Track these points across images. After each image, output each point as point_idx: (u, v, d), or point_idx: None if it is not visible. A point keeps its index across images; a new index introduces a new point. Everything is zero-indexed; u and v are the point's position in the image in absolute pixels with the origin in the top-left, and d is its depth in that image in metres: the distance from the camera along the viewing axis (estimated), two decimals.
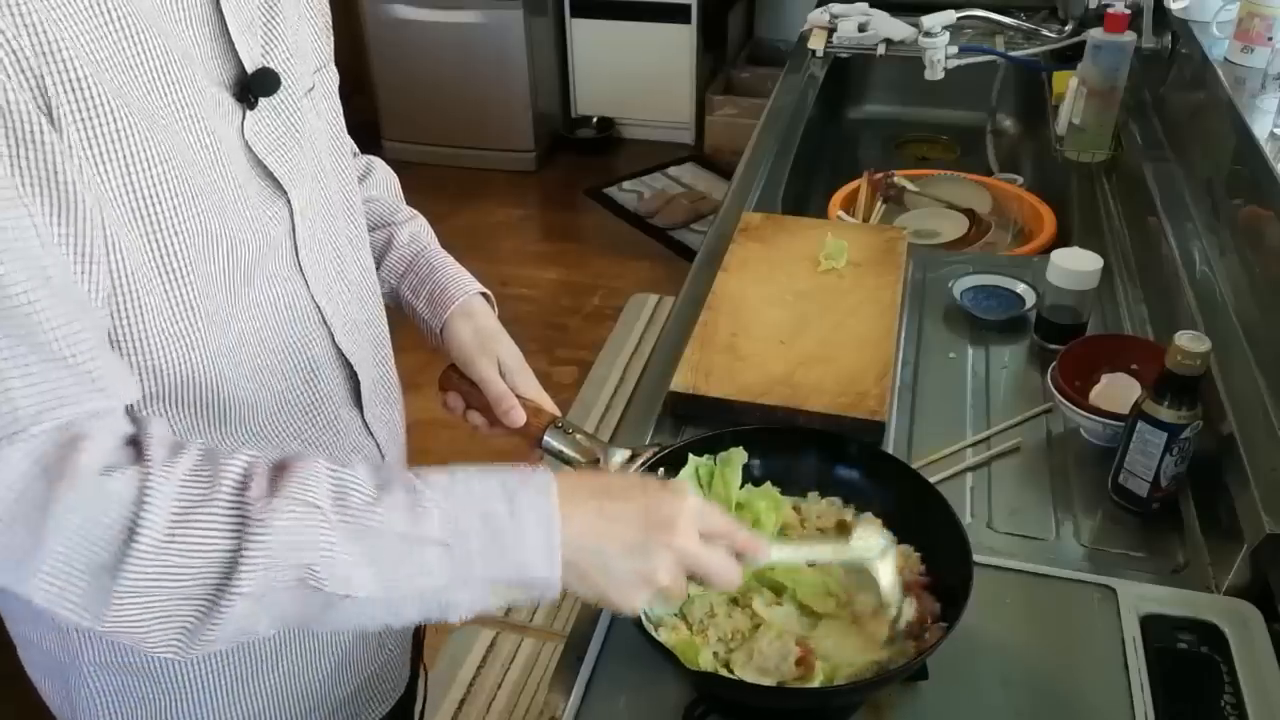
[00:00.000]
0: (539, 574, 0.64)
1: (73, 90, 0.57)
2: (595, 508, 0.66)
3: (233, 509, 0.59)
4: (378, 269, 0.97)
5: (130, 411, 0.64)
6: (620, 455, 0.88)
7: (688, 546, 0.67)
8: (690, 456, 0.88)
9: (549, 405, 0.92)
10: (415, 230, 1.02)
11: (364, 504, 0.62)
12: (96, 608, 0.59)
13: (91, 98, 0.58)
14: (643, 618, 0.80)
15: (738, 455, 0.88)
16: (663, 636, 0.80)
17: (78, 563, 0.57)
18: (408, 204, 1.05)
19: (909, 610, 0.80)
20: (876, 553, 0.78)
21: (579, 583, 0.66)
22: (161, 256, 0.64)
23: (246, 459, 0.62)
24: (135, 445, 0.61)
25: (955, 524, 0.85)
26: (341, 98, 0.88)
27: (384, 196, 1.02)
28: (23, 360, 0.56)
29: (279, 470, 0.62)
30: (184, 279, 0.66)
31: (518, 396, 0.91)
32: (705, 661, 0.79)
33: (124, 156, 0.60)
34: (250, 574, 0.59)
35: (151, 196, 0.63)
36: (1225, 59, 1.57)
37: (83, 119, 0.58)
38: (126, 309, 0.64)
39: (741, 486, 0.89)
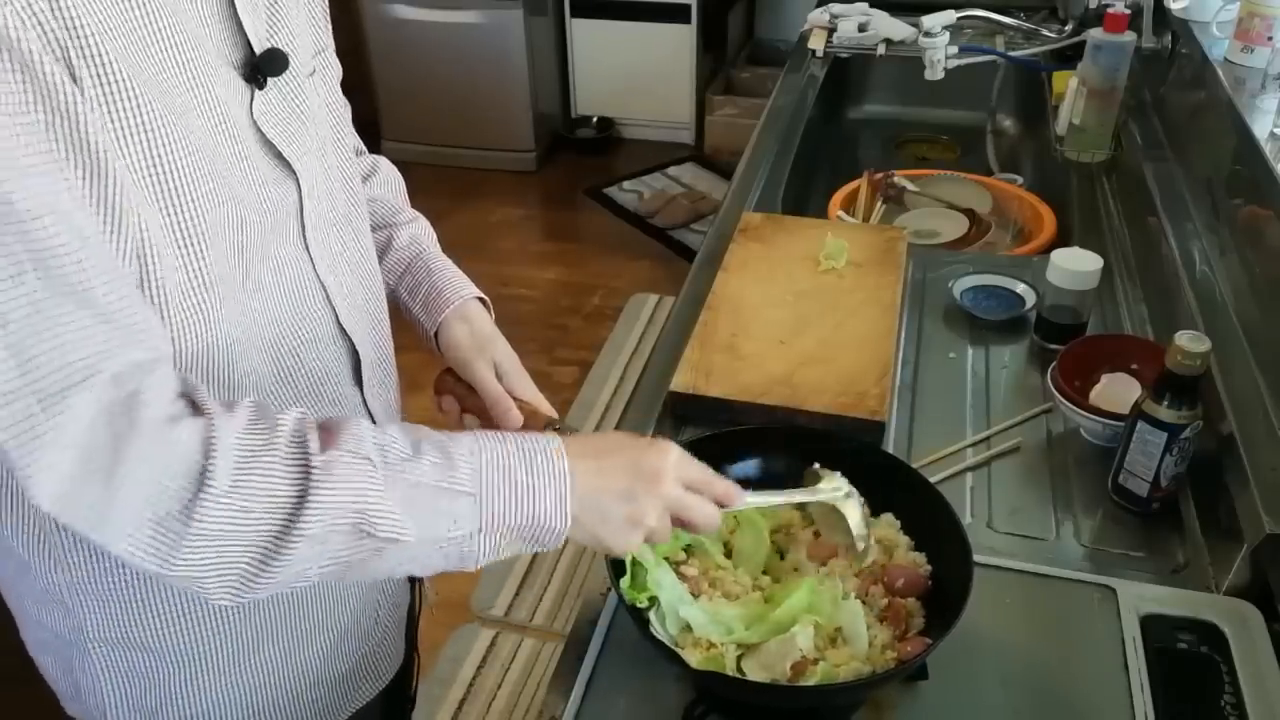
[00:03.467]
0: (553, 525, 0.71)
1: (96, 68, 0.59)
2: (594, 465, 0.73)
3: (293, 457, 0.64)
4: None
5: (177, 369, 0.67)
6: None
7: (673, 492, 0.75)
8: None
9: (545, 407, 0.92)
10: (415, 232, 1.02)
11: (403, 459, 0.67)
12: (168, 553, 0.62)
13: (112, 76, 0.60)
14: (657, 632, 0.83)
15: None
16: (693, 660, 0.81)
17: (148, 511, 0.61)
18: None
19: (874, 550, 0.87)
20: (842, 495, 0.85)
21: (580, 531, 0.73)
22: (179, 230, 0.66)
23: (298, 414, 0.66)
24: (189, 399, 0.64)
25: (955, 524, 0.86)
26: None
27: (387, 197, 1.02)
28: (71, 315, 0.59)
29: (327, 426, 0.67)
30: (200, 253, 0.68)
31: (514, 399, 0.91)
32: (730, 666, 0.81)
33: (144, 133, 0.62)
34: (315, 518, 0.63)
35: (170, 172, 0.65)
36: (1225, 59, 1.57)
37: (105, 96, 0.60)
38: (145, 279, 0.66)
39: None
